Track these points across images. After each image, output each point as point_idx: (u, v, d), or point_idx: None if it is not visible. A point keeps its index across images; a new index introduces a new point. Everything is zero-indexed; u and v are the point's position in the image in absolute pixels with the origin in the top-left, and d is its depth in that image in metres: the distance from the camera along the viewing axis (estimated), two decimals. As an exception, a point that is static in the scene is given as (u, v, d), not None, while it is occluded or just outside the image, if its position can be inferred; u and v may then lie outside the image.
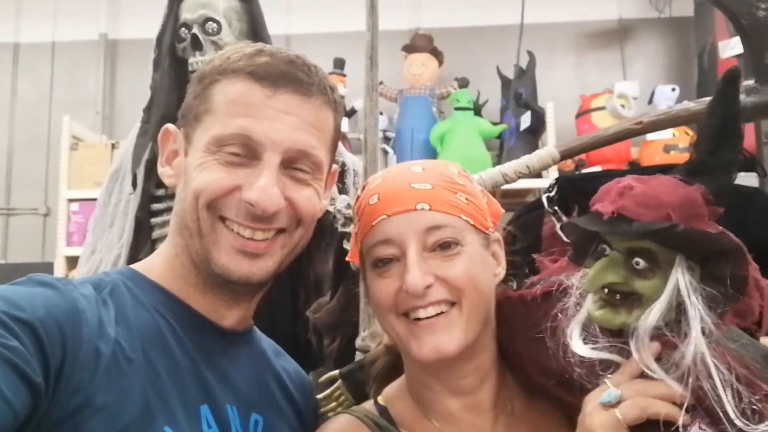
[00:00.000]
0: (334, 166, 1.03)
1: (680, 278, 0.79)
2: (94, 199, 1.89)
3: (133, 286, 0.90)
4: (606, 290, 0.83)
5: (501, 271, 0.98)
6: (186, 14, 1.70)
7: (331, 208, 1.42)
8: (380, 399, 1.01)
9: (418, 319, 0.89)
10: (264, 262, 0.91)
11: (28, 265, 3.99)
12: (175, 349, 0.88)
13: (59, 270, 3.59)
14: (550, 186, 1.33)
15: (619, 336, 0.84)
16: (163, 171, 0.98)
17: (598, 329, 0.85)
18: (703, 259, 0.80)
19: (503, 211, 1.01)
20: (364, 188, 0.99)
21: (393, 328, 0.93)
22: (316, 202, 0.95)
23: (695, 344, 0.77)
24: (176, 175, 0.95)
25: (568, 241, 0.93)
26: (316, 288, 1.52)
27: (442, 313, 0.89)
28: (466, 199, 0.93)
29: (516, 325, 0.96)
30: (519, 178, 1.36)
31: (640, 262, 0.81)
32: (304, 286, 1.55)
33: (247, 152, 0.88)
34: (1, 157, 4.29)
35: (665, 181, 0.83)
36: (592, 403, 0.80)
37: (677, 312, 0.80)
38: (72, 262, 3.58)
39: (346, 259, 1.05)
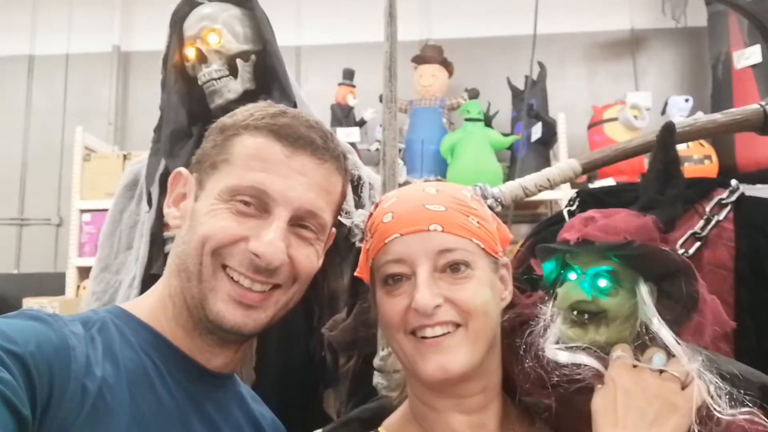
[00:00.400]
0: (333, 230, 1.07)
1: (643, 294, 0.90)
2: (107, 210, 1.88)
3: (121, 325, 0.91)
4: (575, 312, 0.92)
5: (508, 295, 1.00)
6: (189, 32, 1.70)
7: (347, 222, 1.41)
8: (381, 429, 1.01)
9: (425, 338, 0.90)
10: (257, 314, 0.93)
11: (40, 275, 4.00)
12: (161, 390, 0.89)
13: (71, 280, 3.60)
14: (571, 200, 1.31)
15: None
16: (169, 212, 1.00)
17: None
18: (659, 278, 0.91)
19: (512, 236, 1.03)
20: (377, 206, 1.01)
21: (400, 347, 0.94)
22: (315, 261, 0.99)
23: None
24: (181, 217, 0.97)
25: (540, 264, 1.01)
26: (330, 304, 1.50)
27: (448, 333, 0.90)
28: (478, 222, 0.95)
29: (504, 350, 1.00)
30: (539, 191, 1.34)
31: (604, 282, 0.91)
32: (318, 301, 1.53)
33: (259, 205, 0.91)
34: (15, 168, 4.31)
35: (623, 214, 0.97)
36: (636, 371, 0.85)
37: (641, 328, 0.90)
38: (84, 272, 3.58)
39: (355, 274, 1.06)
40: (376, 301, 0.98)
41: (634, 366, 0.86)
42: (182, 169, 1.00)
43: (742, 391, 0.83)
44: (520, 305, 1.02)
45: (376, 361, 1.18)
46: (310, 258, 0.97)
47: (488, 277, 0.94)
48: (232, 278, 0.91)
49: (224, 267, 0.91)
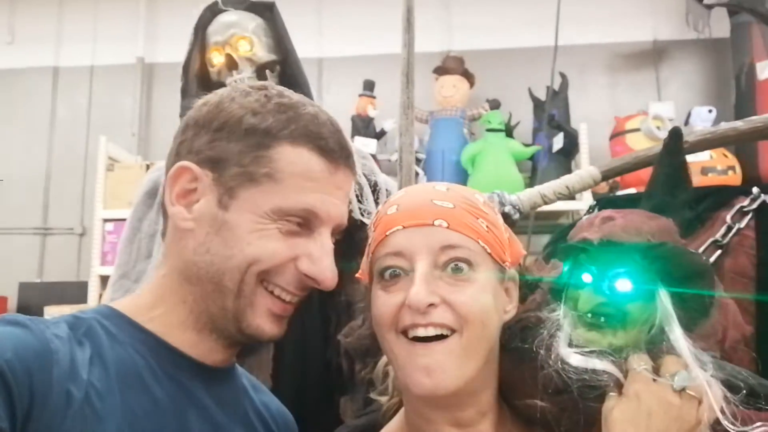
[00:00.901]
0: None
1: (664, 298, 0.87)
2: (128, 219, 1.89)
3: (109, 325, 0.88)
4: (591, 315, 0.89)
5: (512, 309, 0.94)
6: (216, 37, 1.71)
7: (368, 221, 1.40)
8: None
9: (416, 339, 0.85)
10: (284, 321, 0.93)
11: (63, 284, 4.05)
12: (154, 389, 0.85)
13: (93, 289, 3.64)
14: (590, 207, 1.30)
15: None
16: (176, 211, 0.91)
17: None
18: (678, 281, 0.88)
19: (524, 252, 0.97)
20: (385, 203, 0.97)
21: (392, 349, 0.88)
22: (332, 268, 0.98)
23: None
24: (196, 220, 0.90)
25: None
26: (347, 311, 1.50)
27: (442, 336, 0.85)
28: (487, 226, 0.90)
29: (504, 360, 0.95)
30: (558, 199, 1.33)
31: (626, 284, 0.88)
32: (335, 309, 1.53)
33: (307, 224, 0.90)
34: (39, 178, 4.38)
35: (640, 213, 0.95)
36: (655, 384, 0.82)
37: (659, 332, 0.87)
38: (106, 281, 3.59)
39: (357, 276, 1.01)
40: (371, 296, 0.93)
41: (654, 380, 0.83)
42: (190, 165, 0.91)
43: (753, 402, 0.82)
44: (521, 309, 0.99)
45: (380, 370, 1.15)
46: (331, 266, 0.95)
47: (491, 285, 0.88)
48: (272, 293, 0.90)
49: (262, 281, 0.89)
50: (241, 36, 1.68)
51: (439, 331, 0.85)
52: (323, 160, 0.90)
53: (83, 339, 0.83)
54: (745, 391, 0.83)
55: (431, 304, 0.84)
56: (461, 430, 0.91)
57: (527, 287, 0.97)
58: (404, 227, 0.88)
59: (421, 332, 0.85)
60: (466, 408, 0.91)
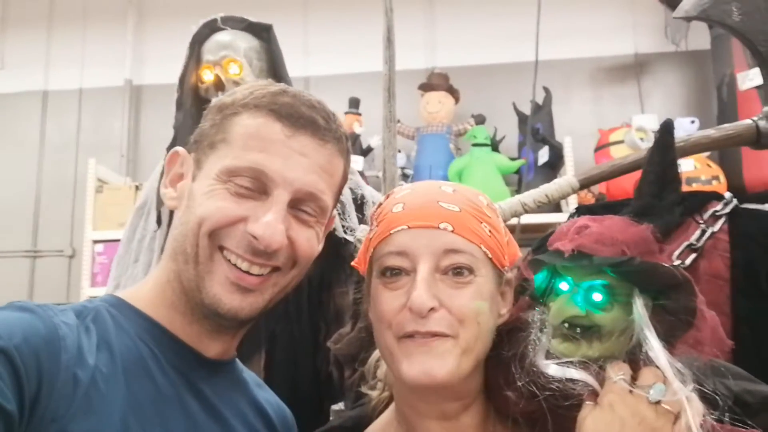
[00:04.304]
0: (335, 212, 1.04)
1: (639, 310, 0.85)
2: (118, 240, 1.92)
3: (116, 313, 0.89)
4: (567, 325, 0.87)
5: (506, 313, 0.95)
6: (208, 56, 1.74)
7: (351, 239, 1.43)
8: None
9: (413, 338, 0.87)
10: (254, 297, 0.91)
11: (53, 306, 4.03)
12: (158, 376, 0.87)
13: (83, 311, 3.62)
14: (570, 216, 1.33)
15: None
16: (166, 192, 0.97)
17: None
18: (655, 292, 0.86)
19: (520, 254, 0.99)
20: (388, 196, 0.98)
21: (387, 344, 0.90)
22: (315, 244, 0.96)
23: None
24: (179, 197, 0.95)
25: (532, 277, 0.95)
26: (336, 320, 1.52)
27: (438, 335, 0.86)
28: (490, 231, 0.91)
29: (488, 357, 0.96)
30: (538, 207, 1.36)
31: (599, 296, 0.86)
32: (324, 317, 1.55)
33: (258, 186, 0.89)
34: (29, 201, 4.38)
35: (618, 220, 0.91)
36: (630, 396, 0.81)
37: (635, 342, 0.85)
38: (96, 303, 3.61)
39: (352, 264, 1.02)
40: (371, 292, 0.94)
41: (630, 391, 0.82)
42: (179, 149, 0.97)
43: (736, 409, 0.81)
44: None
45: (370, 365, 1.18)
46: (310, 241, 0.94)
47: (489, 288, 0.90)
48: (229, 261, 0.88)
49: (221, 249, 0.89)
50: (232, 59, 1.71)
51: (436, 336, 0.87)
52: (279, 124, 0.90)
53: (90, 325, 0.85)
54: (727, 404, 0.82)
55: (431, 308, 0.86)
56: (447, 422, 0.94)
57: (519, 291, 0.98)
58: (409, 227, 0.89)
59: (419, 336, 0.87)
60: (451, 400, 0.93)
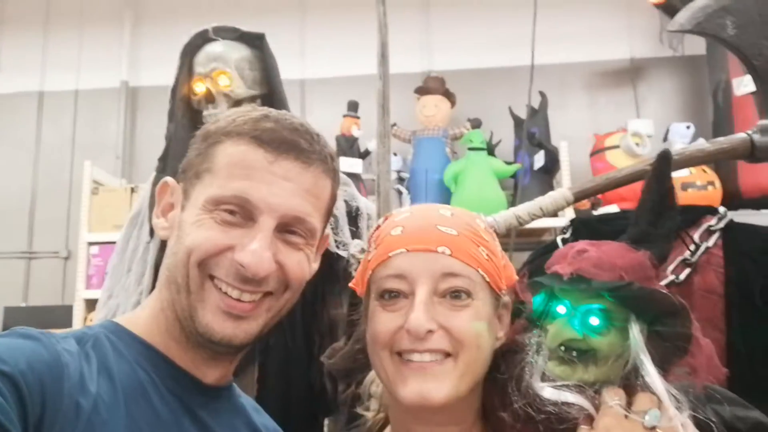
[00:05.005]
0: (327, 231, 1.04)
1: (635, 335, 0.86)
2: (114, 242, 1.92)
3: (116, 340, 0.90)
4: (563, 348, 0.88)
5: (503, 336, 0.95)
6: (199, 68, 1.74)
7: (344, 253, 1.43)
8: None
9: (410, 361, 0.88)
10: (248, 324, 0.91)
11: (48, 308, 4.03)
12: (157, 403, 0.88)
13: (78, 312, 3.63)
14: (564, 228, 1.33)
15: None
16: (158, 222, 0.98)
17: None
18: (652, 318, 0.87)
19: (517, 278, 0.99)
20: (387, 218, 0.99)
21: (383, 366, 0.90)
22: (305, 266, 0.96)
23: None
24: (170, 227, 0.95)
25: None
26: (330, 333, 1.52)
27: (436, 361, 0.87)
28: (487, 255, 0.92)
29: (484, 379, 0.96)
30: (532, 219, 1.36)
31: (596, 320, 0.87)
32: (318, 331, 1.55)
33: (244, 214, 0.89)
34: (25, 202, 4.37)
35: (616, 246, 0.93)
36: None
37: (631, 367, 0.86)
38: (91, 305, 3.61)
39: (350, 285, 1.03)
40: (368, 314, 0.95)
41: (626, 416, 0.83)
42: (168, 179, 0.98)
43: None
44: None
45: (367, 386, 1.18)
46: (300, 264, 0.94)
47: (487, 312, 0.91)
48: (220, 289, 0.89)
49: (212, 278, 0.90)
50: (222, 71, 1.70)
51: (434, 357, 0.87)
52: (260, 150, 0.90)
53: (90, 351, 0.86)
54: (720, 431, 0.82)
55: (429, 331, 0.86)
56: None
57: (515, 313, 0.99)
58: (408, 251, 0.90)
59: (416, 357, 0.87)
60: (448, 424, 0.93)
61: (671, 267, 1.15)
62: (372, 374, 1.06)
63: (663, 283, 0.96)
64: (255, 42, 1.75)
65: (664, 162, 1.01)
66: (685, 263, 1.16)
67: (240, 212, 0.89)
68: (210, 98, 1.69)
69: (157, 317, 0.94)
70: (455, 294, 0.89)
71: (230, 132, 0.92)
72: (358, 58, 4.00)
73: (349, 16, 4.19)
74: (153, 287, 1.63)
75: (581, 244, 0.94)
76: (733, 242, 1.18)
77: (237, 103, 1.70)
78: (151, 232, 1.70)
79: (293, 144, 0.92)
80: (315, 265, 1.00)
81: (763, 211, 3.20)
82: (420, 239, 0.90)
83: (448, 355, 0.88)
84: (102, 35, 4.51)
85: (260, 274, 0.88)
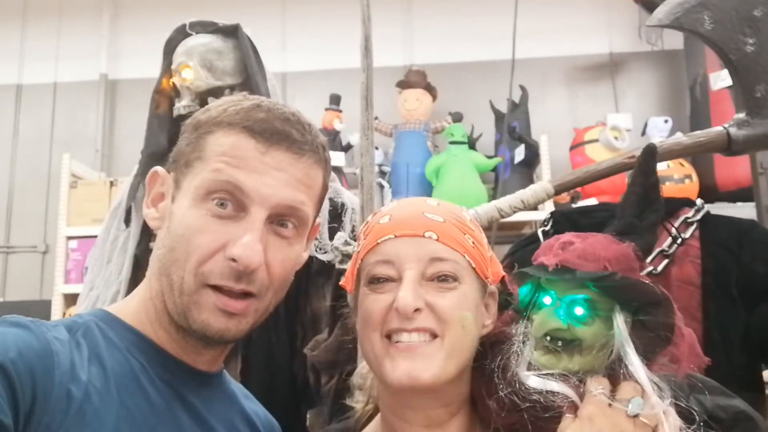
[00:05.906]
0: (318, 220, 1.04)
1: (619, 325, 0.87)
2: (93, 237, 1.92)
3: (106, 328, 0.90)
4: (548, 338, 0.90)
5: (490, 325, 0.97)
6: (173, 64, 1.75)
7: (323, 258, 1.44)
8: None
9: (399, 342, 0.89)
10: (238, 320, 0.91)
11: (26, 302, 3.98)
12: (149, 390, 0.88)
13: (57, 307, 3.59)
14: (545, 220, 1.35)
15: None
16: (148, 212, 0.97)
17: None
18: (635, 308, 0.89)
19: (503, 273, 1.01)
20: (375, 214, 1.00)
21: (372, 348, 0.92)
22: (289, 265, 0.95)
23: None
24: (161, 218, 0.95)
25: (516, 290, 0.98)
26: (313, 326, 1.53)
27: (423, 341, 0.89)
28: (473, 242, 0.94)
29: (472, 368, 0.98)
30: (514, 212, 1.38)
31: (581, 310, 0.88)
32: (301, 323, 1.55)
33: (235, 203, 0.88)
34: (2, 196, 4.32)
35: (601, 238, 0.94)
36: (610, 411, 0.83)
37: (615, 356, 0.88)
38: (70, 299, 3.58)
39: (340, 284, 1.04)
40: (357, 303, 0.96)
41: (610, 404, 0.84)
42: (159, 169, 0.97)
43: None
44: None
45: (357, 379, 1.19)
46: (284, 262, 0.93)
47: (473, 297, 0.93)
48: (215, 288, 0.89)
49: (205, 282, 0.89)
50: (186, 64, 1.71)
51: (421, 338, 0.89)
52: (252, 140, 0.90)
53: (81, 339, 0.86)
54: (702, 419, 0.84)
55: (417, 309, 0.88)
56: (433, 430, 0.95)
57: (502, 305, 1.00)
58: (396, 236, 0.92)
59: (404, 338, 0.89)
60: (437, 407, 0.94)
61: (649, 258, 1.17)
62: (361, 367, 1.07)
63: (642, 274, 0.96)
64: (232, 33, 1.75)
65: (650, 156, 1.03)
66: (662, 254, 1.18)
67: (232, 201, 0.88)
68: (176, 92, 1.71)
69: (146, 306, 0.94)
70: (442, 278, 0.91)
71: (221, 122, 0.92)
72: (340, 52, 4.00)
73: (331, 10, 4.18)
74: (132, 277, 1.64)
75: (567, 236, 0.96)
76: (710, 234, 1.20)
77: (201, 95, 1.70)
78: (126, 221, 1.70)
79: (285, 134, 0.91)
80: (306, 254, 1.00)
81: (739, 204, 3.25)
82: (407, 225, 0.92)
83: (435, 336, 0.89)
84: (81, 27, 4.46)
85: (252, 266, 0.87)
